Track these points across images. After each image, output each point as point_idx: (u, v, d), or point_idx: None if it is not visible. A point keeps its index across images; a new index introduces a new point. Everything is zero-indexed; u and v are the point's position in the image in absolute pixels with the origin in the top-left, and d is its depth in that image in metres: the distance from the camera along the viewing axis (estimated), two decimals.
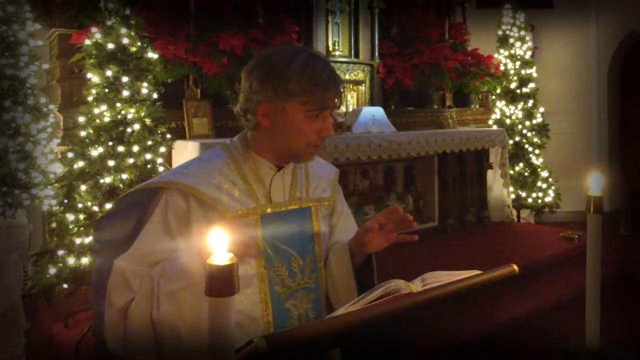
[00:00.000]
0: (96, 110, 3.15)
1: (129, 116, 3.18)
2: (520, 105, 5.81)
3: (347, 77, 5.13)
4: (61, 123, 3.53)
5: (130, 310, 1.23)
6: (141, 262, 1.27)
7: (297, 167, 1.46)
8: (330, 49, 5.10)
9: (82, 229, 3.05)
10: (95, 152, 3.08)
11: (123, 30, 3.20)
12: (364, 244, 1.38)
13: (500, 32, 5.95)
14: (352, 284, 1.42)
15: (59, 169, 3.21)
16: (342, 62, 5.10)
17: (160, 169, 3.27)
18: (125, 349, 1.25)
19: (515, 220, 5.78)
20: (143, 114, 3.22)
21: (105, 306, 1.26)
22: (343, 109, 5.04)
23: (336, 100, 1.34)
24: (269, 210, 1.37)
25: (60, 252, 3.04)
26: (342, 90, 1.36)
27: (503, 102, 5.85)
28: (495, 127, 5.70)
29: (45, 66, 3.34)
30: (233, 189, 1.35)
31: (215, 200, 1.31)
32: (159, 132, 3.32)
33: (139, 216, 1.33)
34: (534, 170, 5.77)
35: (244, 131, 1.42)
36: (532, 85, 5.87)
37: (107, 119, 3.14)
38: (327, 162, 1.66)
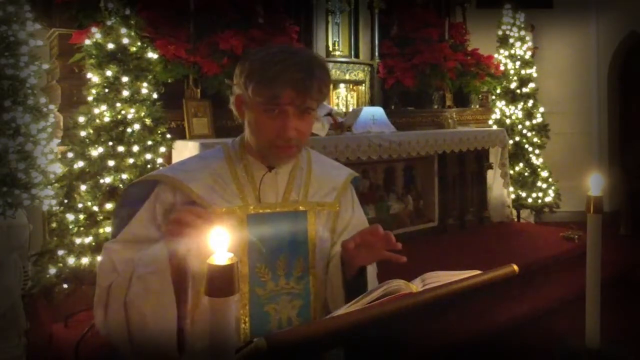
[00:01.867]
0: (96, 110, 3.14)
1: (129, 116, 3.18)
2: (520, 105, 5.81)
3: (347, 77, 5.13)
4: (61, 123, 3.53)
5: (110, 292, 1.27)
6: (127, 247, 1.31)
7: (296, 168, 1.43)
8: (330, 49, 5.10)
9: (82, 229, 3.05)
10: (95, 152, 3.08)
11: (123, 30, 3.20)
12: (350, 258, 1.34)
13: (500, 32, 5.95)
14: (341, 295, 1.39)
15: (59, 169, 3.21)
16: (342, 62, 5.10)
17: (161, 169, 3.27)
18: (105, 328, 1.28)
19: (515, 220, 5.78)
20: (143, 114, 3.22)
21: (96, 285, 1.30)
22: (343, 108, 5.04)
23: (292, 96, 1.24)
24: (255, 210, 1.36)
25: (60, 252, 3.04)
26: (302, 85, 1.24)
27: (503, 102, 5.85)
28: (495, 127, 5.70)
29: (45, 66, 3.34)
30: (223, 188, 1.35)
31: (201, 197, 1.32)
32: (159, 132, 3.32)
33: (138, 207, 1.37)
34: (534, 170, 5.76)
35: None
36: (532, 85, 5.87)
37: (107, 119, 3.14)
38: (341, 165, 1.60)
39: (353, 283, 1.39)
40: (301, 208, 1.41)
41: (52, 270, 3.03)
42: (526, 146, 5.76)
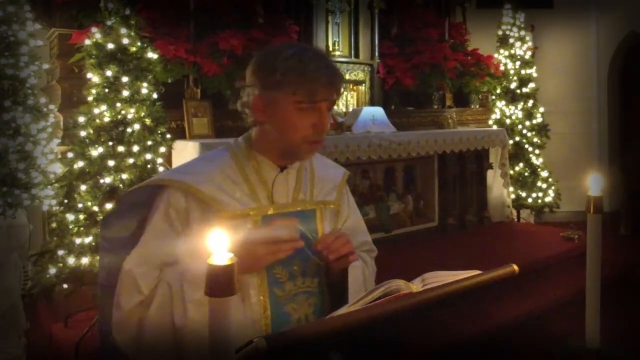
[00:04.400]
0: (96, 110, 3.14)
1: (129, 116, 3.17)
2: (520, 105, 5.81)
3: (347, 77, 5.13)
4: (61, 123, 3.53)
5: (149, 317, 1.24)
6: (148, 262, 1.28)
7: (301, 168, 1.44)
8: (330, 49, 5.10)
9: (82, 229, 3.05)
10: (95, 152, 3.08)
11: (123, 30, 3.20)
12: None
13: (500, 32, 5.95)
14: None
15: (59, 169, 3.21)
16: (342, 62, 5.09)
17: (160, 169, 3.27)
18: (137, 351, 1.26)
19: (515, 220, 5.78)
20: (143, 114, 3.22)
21: (114, 308, 1.27)
22: (343, 108, 5.04)
23: (329, 92, 1.29)
24: (270, 211, 1.35)
25: (60, 252, 3.04)
26: (336, 81, 1.30)
27: (503, 102, 5.85)
28: (495, 127, 5.70)
29: (45, 66, 3.35)
30: (234, 189, 1.33)
31: (214, 199, 1.30)
32: (159, 132, 3.32)
33: (142, 214, 1.35)
34: (534, 170, 5.76)
35: (250, 131, 1.41)
36: (532, 85, 5.87)
37: (107, 119, 3.14)
38: (336, 164, 1.62)
39: (335, 286, 1.40)
40: (310, 207, 1.42)
41: (52, 270, 3.03)
42: (526, 146, 5.76)
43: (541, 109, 5.90)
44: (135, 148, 3.15)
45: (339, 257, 1.32)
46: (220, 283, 0.74)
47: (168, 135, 3.43)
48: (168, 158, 3.56)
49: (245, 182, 1.35)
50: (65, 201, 3.10)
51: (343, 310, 1.14)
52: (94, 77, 3.16)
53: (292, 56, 1.27)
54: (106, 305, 1.37)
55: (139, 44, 3.27)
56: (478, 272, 1.26)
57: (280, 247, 1.23)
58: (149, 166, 3.18)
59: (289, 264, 1.35)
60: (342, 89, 1.34)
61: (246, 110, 1.35)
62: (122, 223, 1.38)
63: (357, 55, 5.32)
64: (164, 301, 1.23)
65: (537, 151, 5.80)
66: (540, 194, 5.71)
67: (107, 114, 3.14)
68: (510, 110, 5.80)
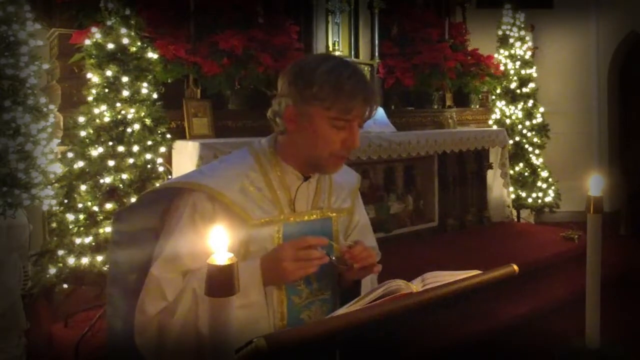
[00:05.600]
0: (96, 110, 3.14)
1: (129, 116, 3.18)
2: (520, 105, 5.81)
3: None
4: (61, 123, 3.53)
5: (174, 323, 1.23)
6: (174, 268, 1.28)
7: (322, 176, 1.44)
8: (330, 49, 5.10)
9: (82, 229, 3.05)
10: (95, 152, 3.08)
11: (123, 30, 3.20)
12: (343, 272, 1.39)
13: (500, 32, 5.95)
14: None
15: (59, 169, 3.21)
16: None
17: (161, 169, 3.27)
18: (158, 356, 1.26)
19: (515, 220, 5.78)
20: (143, 114, 3.22)
21: (138, 312, 1.27)
22: None
23: (363, 110, 1.30)
24: (291, 219, 1.37)
25: (60, 252, 3.04)
26: (371, 100, 1.30)
27: (503, 102, 5.85)
28: (495, 127, 5.70)
29: (45, 66, 3.35)
30: (257, 195, 1.34)
31: (239, 206, 1.30)
32: (159, 132, 3.32)
33: (161, 213, 1.36)
34: (534, 170, 5.76)
35: (274, 135, 1.41)
36: (532, 85, 5.87)
37: (107, 119, 3.14)
38: (348, 167, 1.61)
39: (348, 294, 1.40)
40: (327, 214, 1.44)
41: (52, 270, 3.03)
42: (526, 146, 5.76)
43: (541, 109, 5.90)
44: (135, 148, 3.15)
45: (364, 268, 1.34)
46: (220, 283, 0.74)
47: (168, 135, 3.43)
48: (168, 158, 3.56)
49: (269, 189, 1.35)
50: (65, 201, 3.10)
51: (343, 310, 1.14)
52: (94, 77, 3.16)
53: (330, 71, 1.27)
54: (113, 299, 1.39)
55: (139, 44, 3.27)
56: (478, 272, 1.26)
57: (309, 264, 1.25)
58: (149, 166, 3.18)
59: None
60: (375, 107, 1.33)
61: (277, 119, 1.34)
62: (138, 219, 1.38)
63: (357, 55, 5.31)
64: (190, 308, 1.23)
65: (537, 151, 5.80)
66: (540, 194, 5.71)
67: (107, 114, 3.14)
68: (510, 110, 5.80)
